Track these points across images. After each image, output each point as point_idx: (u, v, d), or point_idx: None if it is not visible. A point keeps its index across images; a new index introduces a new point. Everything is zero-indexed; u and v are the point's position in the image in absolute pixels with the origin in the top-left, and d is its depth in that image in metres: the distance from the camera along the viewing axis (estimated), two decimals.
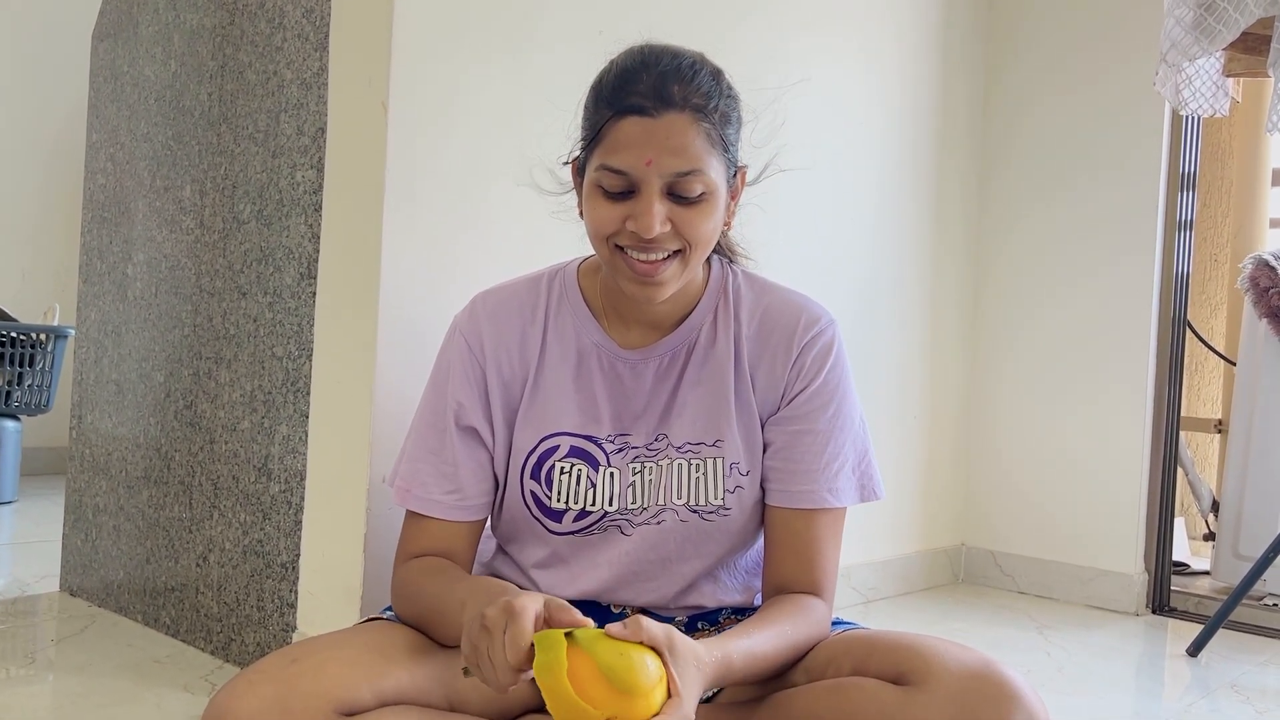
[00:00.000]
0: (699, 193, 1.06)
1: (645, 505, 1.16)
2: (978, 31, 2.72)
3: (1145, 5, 2.46)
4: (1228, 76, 1.91)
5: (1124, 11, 2.52)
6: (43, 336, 3.26)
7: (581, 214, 1.14)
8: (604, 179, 1.06)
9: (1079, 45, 2.61)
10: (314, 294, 1.60)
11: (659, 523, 1.16)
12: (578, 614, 0.91)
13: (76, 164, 3.67)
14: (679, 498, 1.16)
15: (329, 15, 1.60)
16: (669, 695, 0.89)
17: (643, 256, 1.07)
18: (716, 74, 1.10)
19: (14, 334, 3.21)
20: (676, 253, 1.08)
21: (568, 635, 0.88)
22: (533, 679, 0.89)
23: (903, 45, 2.49)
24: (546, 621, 0.91)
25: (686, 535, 1.17)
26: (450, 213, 1.54)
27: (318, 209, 1.60)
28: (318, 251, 1.60)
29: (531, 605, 0.91)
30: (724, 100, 1.09)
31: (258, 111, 1.73)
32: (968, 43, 2.69)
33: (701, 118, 1.05)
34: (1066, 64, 2.63)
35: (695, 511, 1.16)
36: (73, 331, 3.26)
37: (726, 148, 1.09)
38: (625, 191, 1.06)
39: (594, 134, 1.08)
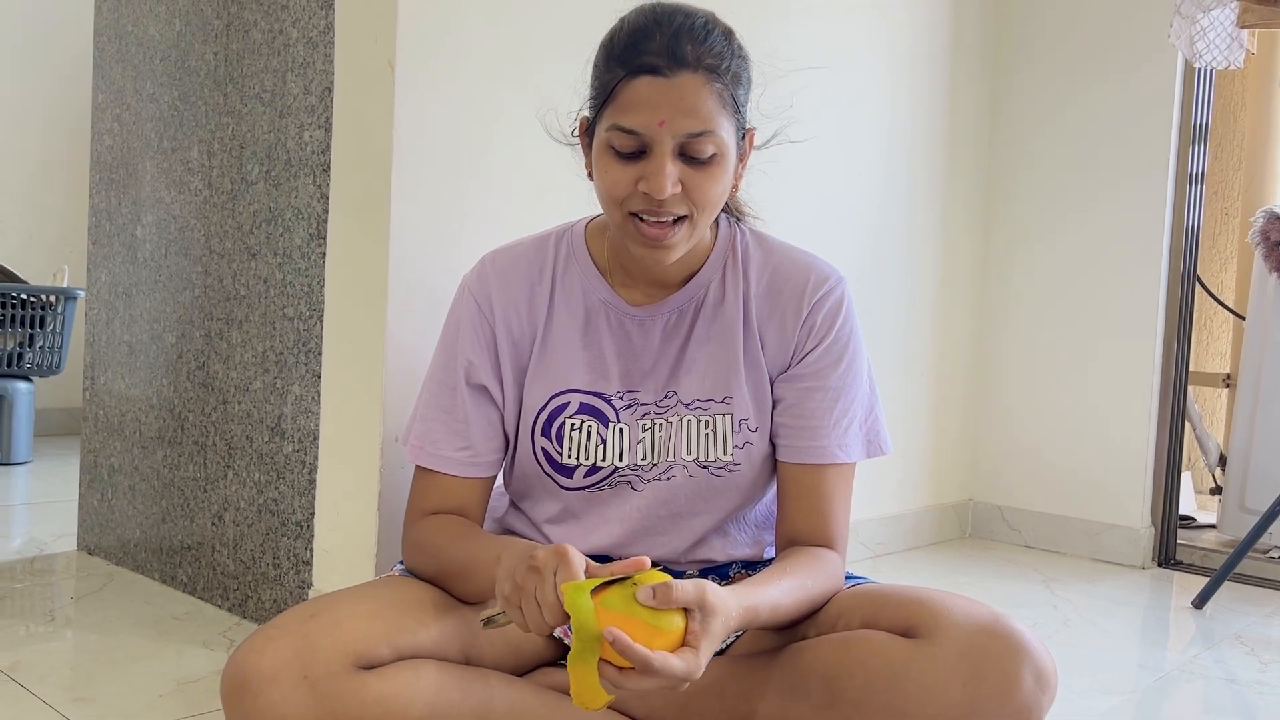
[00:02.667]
0: (710, 154, 1.05)
1: (655, 461, 1.18)
2: None
3: None
4: (1242, 28, 1.88)
5: None
6: (52, 298, 3.27)
7: (590, 175, 1.14)
8: (615, 139, 1.06)
9: None
10: (324, 254, 1.60)
11: (669, 478, 1.18)
12: (624, 564, 0.92)
13: (80, 125, 3.66)
14: (688, 454, 1.17)
15: None
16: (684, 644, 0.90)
17: (652, 219, 1.06)
18: (728, 34, 1.09)
19: (24, 296, 3.22)
20: (683, 218, 1.07)
21: (598, 589, 0.89)
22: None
23: (913, 2, 2.46)
24: (589, 574, 0.92)
25: (696, 490, 1.19)
26: (459, 171, 1.54)
27: (326, 169, 1.60)
28: (326, 212, 1.60)
29: (578, 554, 0.93)
30: (735, 61, 1.08)
31: (264, 71, 1.73)
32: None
33: (714, 78, 1.05)
34: (1078, 17, 2.60)
35: (704, 467, 1.17)
36: (82, 293, 3.27)
37: (738, 109, 1.09)
38: (637, 152, 1.05)
39: (605, 94, 1.07)
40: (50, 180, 3.89)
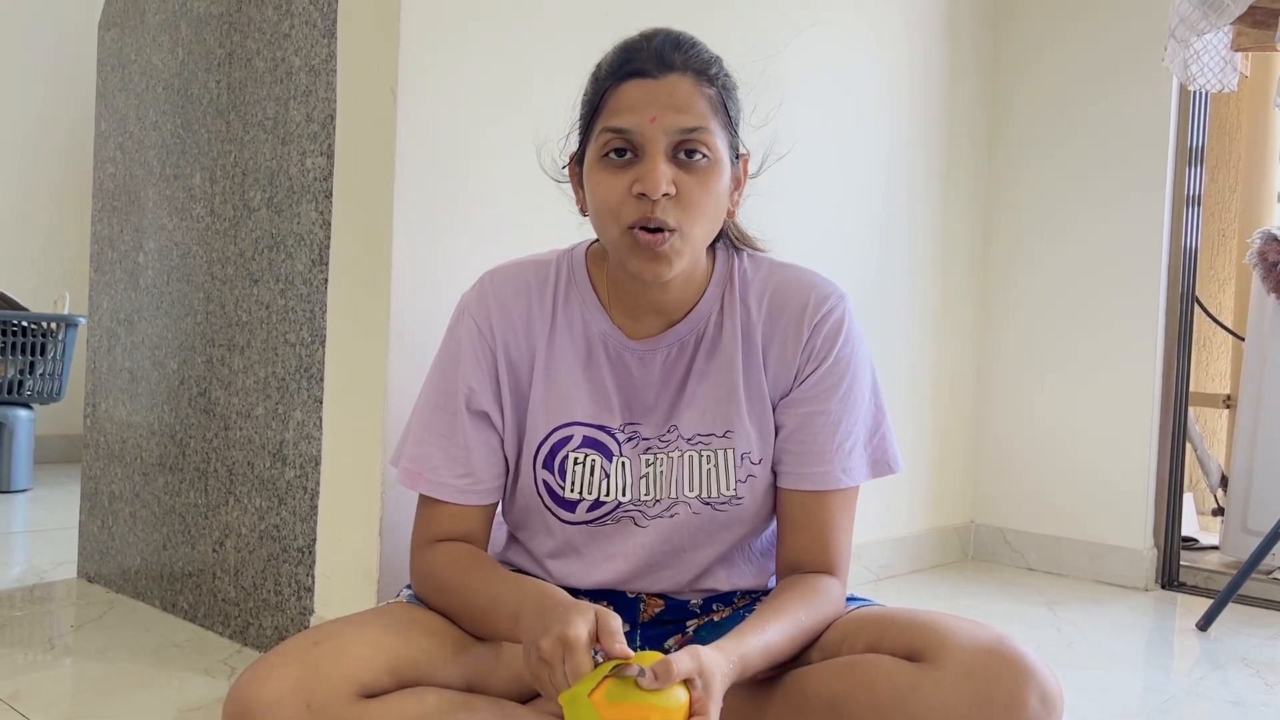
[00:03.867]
0: (703, 155, 1.05)
1: (658, 497, 1.16)
2: (984, 7, 2.71)
3: None
4: (1236, 51, 1.90)
5: None
6: (54, 325, 3.28)
7: (582, 209, 1.14)
8: (607, 143, 1.05)
9: (1086, 19, 2.60)
10: (326, 280, 1.61)
11: (672, 515, 1.16)
12: (623, 641, 0.92)
13: (87, 154, 3.67)
14: (691, 490, 1.16)
15: (336, 2, 1.60)
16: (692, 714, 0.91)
17: (649, 225, 1.05)
18: (716, 56, 1.11)
19: (25, 323, 3.22)
20: (676, 230, 1.06)
21: (597, 686, 0.89)
22: None
23: (911, 23, 2.48)
24: (597, 640, 0.92)
25: (700, 526, 1.17)
26: (460, 196, 1.55)
27: (328, 195, 1.61)
28: (329, 238, 1.60)
29: (585, 629, 0.91)
30: (724, 75, 1.10)
31: (266, 99, 1.74)
32: (975, 19, 2.68)
33: (704, 81, 1.06)
34: (1074, 42, 2.62)
35: (708, 503, 1.16)
36: (83, 320, 3.28)
37: (729, 119, 1.09)
38: (630, 156, 1.05)
39: (595, 105, 1.08)
40: (57, 210, 3.90)
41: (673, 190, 1.04)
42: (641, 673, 0.88)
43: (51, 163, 3.89)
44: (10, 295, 3.41)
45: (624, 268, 1.11)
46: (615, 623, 0.93)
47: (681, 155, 1.05)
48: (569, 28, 1.66)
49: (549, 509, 1.18)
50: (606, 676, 0.89)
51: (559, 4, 1.66)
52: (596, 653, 0.92)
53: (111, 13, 2.14)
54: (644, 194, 1.03)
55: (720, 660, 0.96)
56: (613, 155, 1.06)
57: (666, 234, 1.05)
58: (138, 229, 2.04)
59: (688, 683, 0.91)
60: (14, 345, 3.21)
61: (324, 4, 1.62)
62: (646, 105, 1.04)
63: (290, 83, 1.69)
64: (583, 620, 0.92)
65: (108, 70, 2.14)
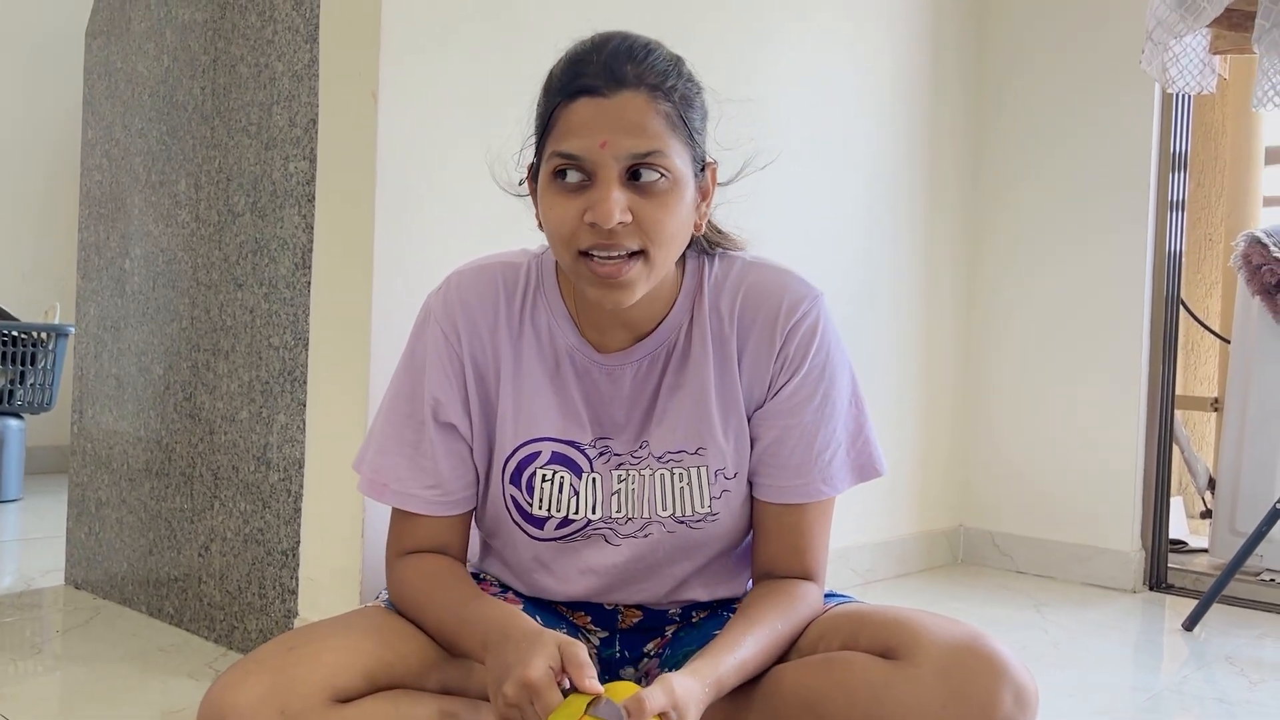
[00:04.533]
0: (659, 178, 0.99)
1: (630, 516, 1.13)
2: (969, 15, 2.72)
3: None
4: (1214, 54, 1.91)
5: None
6: (44, 335, 3.28)
7: (540, 224, 1.07)
8: (557, 166, 1.00)
9: (1067, 26, 2.61)
10: (309, 284, 1.62)
11: (646, 535, 1.14)
12: (592, 674, 0.91)
13: (74, 163, 3.68)
14: (664, 510, 1.13)
15: (318, 7, 1.61)
16: None
17: (603, 254, 0.99)
18: (676, 60, 1.04)
19: (15, 333, 3.23)
20: (638, 253, 1.00)
21: None
22: None
23: (894, 32, 2.49)
24: (564, 671, 0.91)
25: (675, 544, 1.15)
26: (441, 200, 1.56)
27: (311, 199, 1.61)
28: (312, 242, 1.61)
29: (545, 666, 0.90)
30: (684, 83, 1.03)
31: (250, 104, 1.75)
32: (959, 27, 2.69)
33: (659, 97, 0.99)
34: (1058, 50, 2.63)
35: (682, 522, 1.13)
36: (74, 329, 3.28)
37: (691, 134, 1.02)
38: (581, 182, 0.99)
39: (544, 124, 1.02)
40: (48, 220, 3.91)
41: (628, 218, 0.98)
42: (616, 712, 0.88)
43: (40, 173, 3.89)
44: (2, 306, 3.42)
45: (583, 293, 1.06)
46: (581, 653, 0.92)
47: (637, 179, 0.99)
48: (551, 32, 1.67)
49: (517, 524, 1.15)
50: (583, 716, 0.88)
51: (540, 14, 1.67)
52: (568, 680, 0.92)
53: (98, 21, 2.15)
54: (595, 223, 0.98)
55: (694, 687, 0.95)
56: (564, 178, 1.00)
57: (628, 261, 1.00)
58: (124, 235, 2.05)
59: (662, 715, 0.90)
60: (5, 355, 3.21)
61: (307, 10, 1.63)
62: (596, 128, 0.97)
63: (273, 88, 1.70)
64: (543, 658, 0.91)
65: (94, 78, 2.15)
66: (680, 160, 1.01)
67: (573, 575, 1.16)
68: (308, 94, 1.63)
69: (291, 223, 1.65)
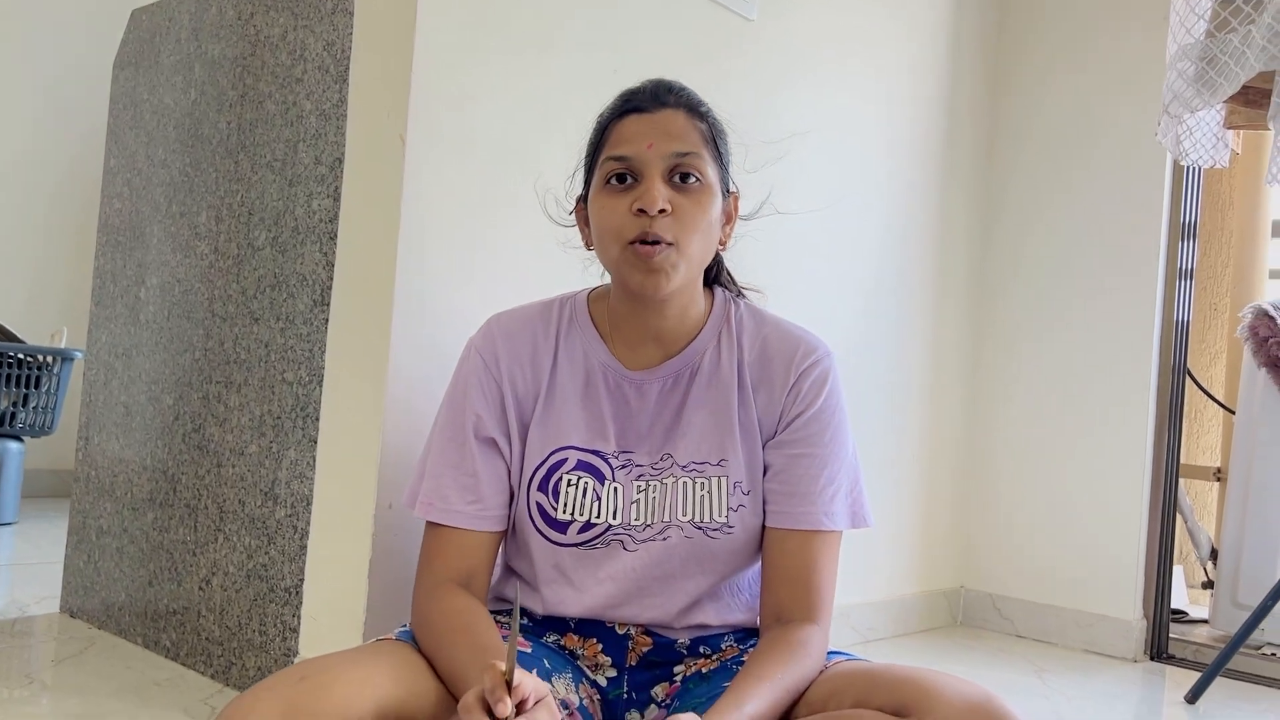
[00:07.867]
0: (696, 177, 1.15)
1: (649, 522, 1.20)
2: (982, 82, 2.77)
3: (1149, 58, 2.51)
4: (1228, 129, 1.94)
5: (1127, 63, 2.57)
6: (49, 359, 3.28)
7: (587, 244, 1.24)
8: (610, 170, 1.16)
9: (1083, 96, 2.65)
10: (326, 320, 1.62)
11: (664, 539, 1.20)
12: (503, 697, 0.89)
13: (86, 189, 3.71)
14: (684, 514, 1.20)
15: (350, 49, 1.63)
16: None
17: (645, 242, 1.13)
18: (705, 101, 1.23)
19: (20, 355, 3.22)
20: (673, 244, 1.14)
21: None
22: None
23: (913, 94, 2.53)
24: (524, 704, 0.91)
25: (690, 552, 1.20)
26: (464, 244, 1.57)
27: (333, 237, 1.63)
28: (331, 279, 1.62)
29: (476, 696, 0.90)
30: (713, 115, 1.21)
31: (276, 140, 1.76)
32: (972, 93, 2.73)
33: (696, 116, 1.18)
34: (1070, 117, 2.67)
35: (700, 528, 1.20)
36: (79, 354, 3.28)
37: (719, 153, 1.20)
38: (630, 181, 1.15)
39: (597, 143, 1.20)
40: (54, 243, 3.92)
41: (668, 208, 1.13)
42: None
43: (50, 198, 3.91)
44: (9, 329, 3.42)
45: (625, 287, 1.18)
46: (549, 705, 0.92)
47: (676, 178, 1.15)
48: (576, 85, 1.70)
49: (540, 531, 1.21)
50: None
51: (567, 61, 1.70)
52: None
53: (126, 52, 2.17)
54: (643, 210, 1.13)
55: None
56: (615, 181, 1.16)
57: (663, 246, 1.13)
58: (141, 264, 2.06)
59: None
60: (8, 378, 3.21)
61: (338, 51, 1.66)
62: (644, 134, 1.15)
63: (300, 126, 1.72)
64: (474, 688, 0.91)
65: (119, 108, 2.17)
66: (711, 170, 1.18)
67: (590, 585, 1.21)
68: (334, 133, 1.64)
69: (312, 259, 1.66)
